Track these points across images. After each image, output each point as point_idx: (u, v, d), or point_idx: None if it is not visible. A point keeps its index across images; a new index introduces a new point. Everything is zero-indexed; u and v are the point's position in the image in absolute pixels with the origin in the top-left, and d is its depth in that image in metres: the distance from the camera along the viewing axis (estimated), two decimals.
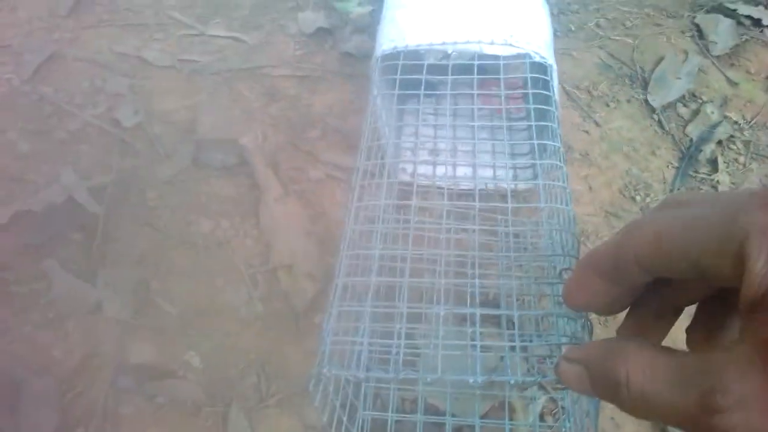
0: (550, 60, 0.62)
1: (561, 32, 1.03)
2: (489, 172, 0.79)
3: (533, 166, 0.77)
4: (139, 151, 0.85)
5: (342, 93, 0.94)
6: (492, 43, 0.61)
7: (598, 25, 1.05)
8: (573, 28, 1.04)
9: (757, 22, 1.06)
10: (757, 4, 1.08)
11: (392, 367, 0.44)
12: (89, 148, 0.86)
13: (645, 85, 0.95)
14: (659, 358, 0.21)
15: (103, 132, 0.87)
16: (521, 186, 0.77)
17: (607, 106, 0.92)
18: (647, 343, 0.22)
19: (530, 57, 0.60)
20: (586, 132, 0.88)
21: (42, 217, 0.76)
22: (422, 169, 0.80)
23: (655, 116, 0.91)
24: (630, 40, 1.02)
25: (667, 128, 0.89)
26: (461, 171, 0.77)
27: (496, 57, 0.60)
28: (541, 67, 0.61)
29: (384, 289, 0.65)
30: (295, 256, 0.74)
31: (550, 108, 0.57)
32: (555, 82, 0.62)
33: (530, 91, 0.57)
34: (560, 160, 0.54)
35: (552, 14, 1.01)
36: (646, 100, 0.93)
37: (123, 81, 0.93)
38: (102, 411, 0.64)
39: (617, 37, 1.03)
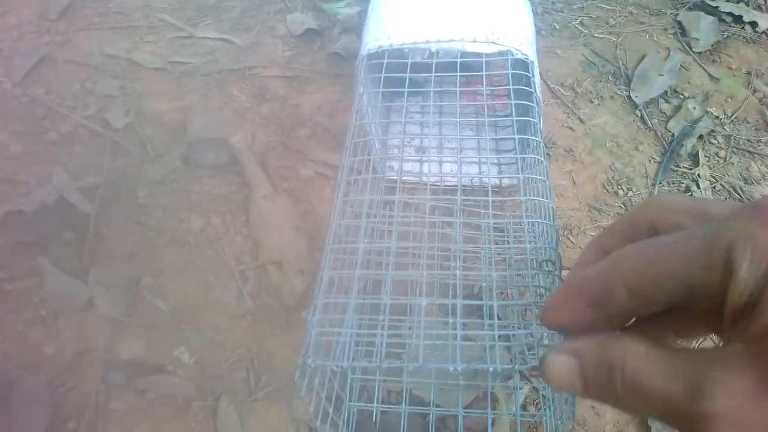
0: (532, 57, 0.63)
1: (545, 31, 1.04)
2: (474, 169, 0.80)
3: (517, 161, 0.79)
4: (130, 152, 0.86)
5: (330, 92, 0.95)
6: (474, 41, 0.62)
7: (582, 24, 1.07)
8: (557, 27, 1.06)
9: (738, 19, 1.08)
10: (738, 1, 1.10)
11: (375, 357, 0.46)
12: (81, 149, 0.87)
13: (628, 81, 0.96)
14: (654, 349, 0.22)
15: (94, 133, 0.88)
16: (506, 181, 0.78)
17: (591, 102, 0.94)
18: (642, 336, 0.23)
19: (512, 54, 0.61)
20: (571, 128, 0.90)
21: (34, 216, 0.77)
22: (408, 166, 0.81)
23: (638, 112, 0.92)
24: (613, 38, 1.04)
25: (650, 124, 0.91)
26: (447, 167, 0.79)
27: (479, 54, 0.61)
28: (523, 64, 0.62)
29: (372, 283, 0.67)
30: (284, 253, 0.75)
31: (531, 104, 0.59)
32: (537, 79, 0.63)
33: (511, 87, 0.58)
34: (541, 155, 0.56)
35: (536, 13, 1.03)
36: (629, 97, 0.94)
37: (113, 83, 0.94)
38: (93, 407, 0.65)
39: (601, 35, 1.05)
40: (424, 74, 0.62)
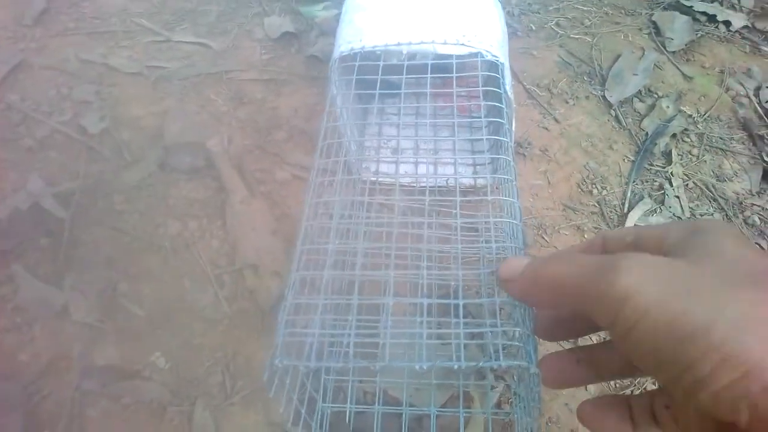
0: (502, 58, 0.63)
1: (522, 32, 1.05)
2: (450, 170, 0.81)
3: (492, 162, 0.79)
4: (106, 157, 0.86)
5: (308, 95, 0.95)
6: (445, 43, 0.62)
7: (557, 25, 1.07)
8: (533, 28, 1.06)
9: (712, 18, 1.09)
10: (712, 1, 1.11)
11: (342, 357, 0.46)
12: (56, 155, 0.87)
13: (603, 81, 0.97)
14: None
15: (69, 139, 0.88)
16: (480, 181, 0.79)
17: (567, 103, 0.95)
18: None
19: (482, 56, 0.62)
20: (546, 128, 0.91)
21: (8, 223, 0.77)
22: (385, 168, 0.81)
23: (613, 112, 0.93)
24: (589, 39, 1.05)
25: (624, 123, 0.92)
26: (423, 168, 0.79)
27: (449, 56, 0.62)
28: (494, 66, 0.63)
29: (348, 283, 0.67)
30: (260, 256, 0.75)
31: (500, 105, 0.59)
32: (507, 80, 0.64)
33: (481, 88, 0.59)
34: (509, 155, 0.56)
35: (513, 15, 1.03)
36: (604, 96, 0.95)
37: (89, 88, 0.94)
38: (68, 413, 0.65)
39: (576, 36, 1.05)
40: (397, 76, 0.63)
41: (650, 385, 0.61)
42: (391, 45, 0.63)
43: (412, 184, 0.78)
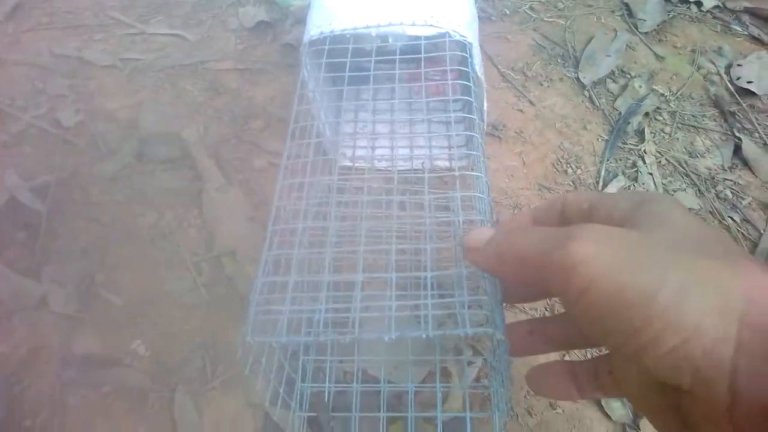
0: (470, 38, 0.64)
1: (496, 17, 1.06)
2: (424, 152, 0.81)
3: (467, 144, 0.80)
4: (82, 150, 0.86)
5: (284, 83, 0.95)
6: (413, 25, 0.63)
7: (531, 8, 1.08)
8: (507, 12, 1.07)
9: None
10: None
11: (314, 331, 0.46)
12: (32, 149, 0.86)
13: (576, 63, 0.98)
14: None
15: (45, 133, 0.88)
16: (455, 162, 0.80)
17: (541, 85, 0.96)
18: None
19: (450, 36, 0.63)
20: (521, 111, 0.91)
21: None
22: (361, 152, 0.82)
23: (586, 92, 0.94)
24: (562, 22, 1.06)
25: (598, 103, 0.93)
26: (388, 152, 0.80)
27: (418, 38, 0.62)
28: (464, 46, 0.64)
29: (324, 264, 0.67)
30: (238, 242, 0.76)
31: (469, 84, 0.60)
32: (477, 60, 0.65)
33: (449, 68, 0.59)
34: (477, 132, 0.57)
35: (487, 0, 1.04)
36: (578, 78, 0.96)
37: (64, 82, 0.94)
38: (50, 403, 0.65)
39: (550, 19, 1.06)
40: (368, 58, 0.63)
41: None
42: (360, 28, 0.64)
43: (389, 168, 0.79)
